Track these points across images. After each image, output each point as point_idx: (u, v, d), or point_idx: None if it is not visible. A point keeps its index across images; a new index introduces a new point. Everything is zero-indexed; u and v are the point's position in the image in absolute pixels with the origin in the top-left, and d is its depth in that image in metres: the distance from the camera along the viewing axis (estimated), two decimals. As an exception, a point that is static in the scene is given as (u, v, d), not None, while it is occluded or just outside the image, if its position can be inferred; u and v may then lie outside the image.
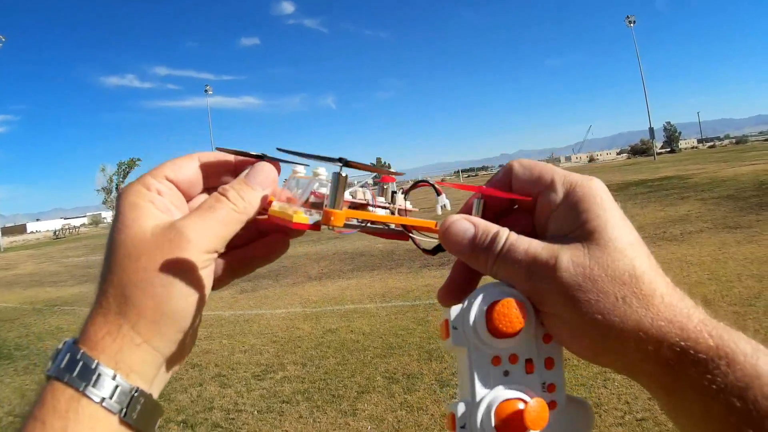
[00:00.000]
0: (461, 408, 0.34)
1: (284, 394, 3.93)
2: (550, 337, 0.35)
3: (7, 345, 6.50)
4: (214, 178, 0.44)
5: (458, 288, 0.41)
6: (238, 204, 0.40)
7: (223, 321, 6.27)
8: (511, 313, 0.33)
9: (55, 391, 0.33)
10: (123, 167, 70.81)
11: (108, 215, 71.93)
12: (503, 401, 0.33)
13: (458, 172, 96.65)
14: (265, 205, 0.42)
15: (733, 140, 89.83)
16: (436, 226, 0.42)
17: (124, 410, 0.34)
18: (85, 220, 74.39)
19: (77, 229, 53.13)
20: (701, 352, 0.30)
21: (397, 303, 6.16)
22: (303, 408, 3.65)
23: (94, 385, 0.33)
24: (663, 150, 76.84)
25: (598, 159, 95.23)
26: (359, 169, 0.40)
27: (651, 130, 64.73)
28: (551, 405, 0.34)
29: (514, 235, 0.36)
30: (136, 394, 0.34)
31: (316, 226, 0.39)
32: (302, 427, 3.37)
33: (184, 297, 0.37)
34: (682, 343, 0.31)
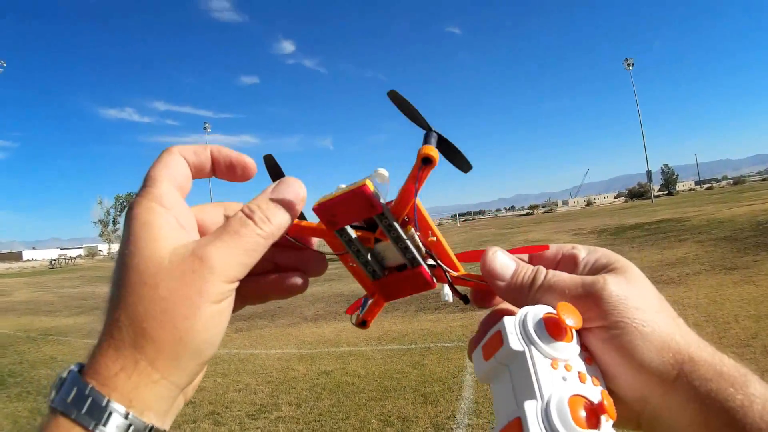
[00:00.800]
0: (530, 406, 0.33)
1: (278, 434, 3.91)
2: (590, 359, 0.38)
3: (0, 372, 6.47)
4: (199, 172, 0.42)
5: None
6: (265, 228, 0.37)
7: (217, 359, 6.24)
8: (572, 311, 0.36)
9: (60, 426, 0.31)
10: (120, 201, 71.31)
11: (104, 248, 72.46)
12: (573, 395, 0.33)
13: (455, 215, 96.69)
14: (290, 230, 0.40)
15: (731, 181, 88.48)
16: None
17: None
18: (81, 252, 73.50)
19: (73, 260, 52.50)
20: (726, 366, 0.36)
21: (393, 346, 6.15)
22: (297, 449, 3.62)
23: (105, 424, 0.31)
24: (660, 193, 76.58)
25: (595, 203, 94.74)
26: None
27: (648, 173, 64.36)
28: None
29: (551, 271, 0.41)
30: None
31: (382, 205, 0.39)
32: (296, 467, 3.35)
33: (206, 330, 0.35)
34: (709, 359, 0.36)
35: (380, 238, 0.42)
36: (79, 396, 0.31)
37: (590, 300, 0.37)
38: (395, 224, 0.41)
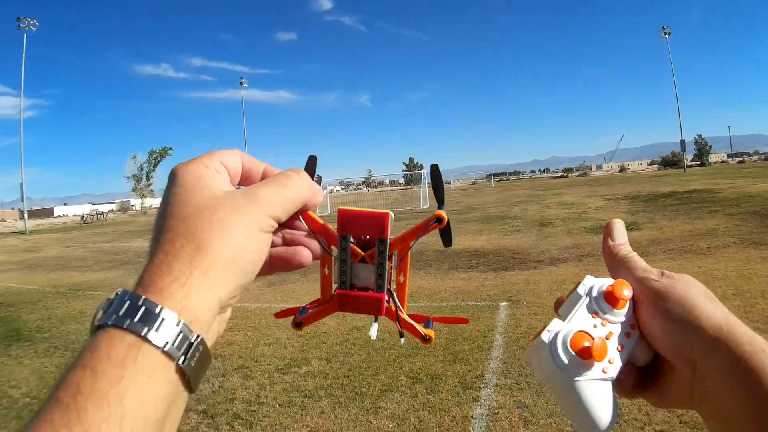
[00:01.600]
0: (556, 323, 0.44)
1: (307, 388, 3.90)
2: (634, 327, 0.45)
3: (28, 327, 6.63)
4: (245, 179, 0.46)
5: None
6: (304, 186, 0.44)
7: (248, 313, 6.30)
8: (625, 286, 0.45)
9: (111, 338, 0.31)
10: (154, 156, 72.05)
11: (137, 203, 72.48)
12: (582, 331, 0.43)
13: (490, 175, 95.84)
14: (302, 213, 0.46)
15: (762, 156, 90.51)
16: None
17: (184, 357, 0.33)
18: (113, 207, 75.24)
19: (105, 215, 53.49)
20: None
21: (425, 303, 6.09)
22: (325, 404, 3.61)
23: (157, 330, 0.32)
24: (693, 163, 76.89)
25: (629, 169, 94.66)
26: None
27: (682, 142, 64.40)
28: (607, 370, 0.43)
29: (634, 253, 0.49)
30: (196, 342, 0.34)
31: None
32: (323, 422, 3.33)
33: (254, 253, 0.39)
34: (747, 347, 0.39)
35: (365, 259, 0.48)
36: (131, 307, 0.32)
37: (648, 283, 0.45)
38: (386, 253, 0.47)
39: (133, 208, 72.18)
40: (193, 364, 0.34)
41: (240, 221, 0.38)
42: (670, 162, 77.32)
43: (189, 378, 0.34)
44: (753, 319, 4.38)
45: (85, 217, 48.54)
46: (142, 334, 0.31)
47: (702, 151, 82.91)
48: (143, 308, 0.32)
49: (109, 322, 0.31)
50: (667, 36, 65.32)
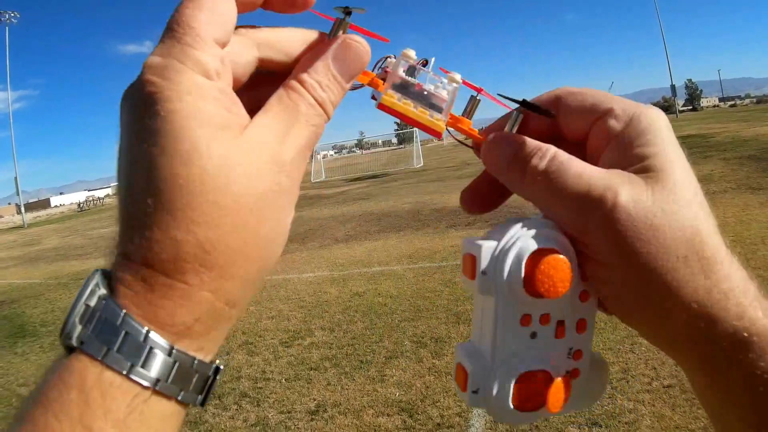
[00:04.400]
0: (475, 368, 0.30)
1: (312, 360, 3.90)
2: (587, 294, 0.31)
3: (33, 322, 6.58)
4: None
5: (485, 196, 0.36)
6: (329, 110, 0.29)
7: (250, 288, 6.26)
8: (557, 275, 0.28)
9: (102, 382, 0.22)
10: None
11: None
12: (525, 373, 0.29)
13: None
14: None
15: (754, 100, 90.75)
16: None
17: (203, 398, 0.26)
18: (109, 191, 74.53)
19: (102, 201, 52.34)
20: (756, 335, 0.27)
21: (425, 264, 6.06)
22: (331, 375, 3.61)
23: (171, 380, 0.24)
24: (685, 108, 76.92)
25: None
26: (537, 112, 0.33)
27: (673, 87, 62.70)
28: (574, 373, 0.31)
29: (563, 154, 0.30)
30: (215, 376, 0.27)
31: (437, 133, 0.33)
32: (330, 394, 3.33)
33: (279, 246, 0.28)
34: (736, 323, 0.27)
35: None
36: (129, 335, 0.23)
37: (594, 223, 0.28)
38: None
39: (130, 190, 71.67)
40: (209, 397, 0.27)
41: (273, 211, 0.26)
42: (662, 108, 75.76)
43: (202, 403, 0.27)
44: (756, 266, 4.31)
45: (82, 205, 48.03)
46: (153, 386, 0.23)
47: (693, 95, 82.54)
48: (146, 338, 0.23)
49: (98, 357, 0.22)
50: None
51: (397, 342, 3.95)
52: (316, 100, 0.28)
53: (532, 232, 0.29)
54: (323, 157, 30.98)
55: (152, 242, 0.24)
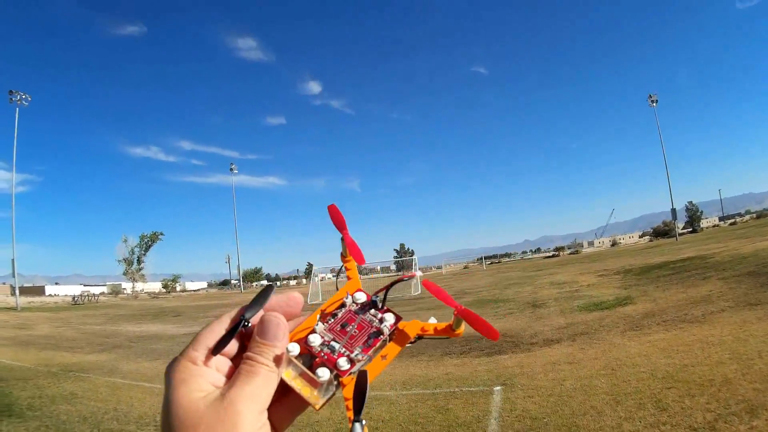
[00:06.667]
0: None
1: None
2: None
3: (20, 404, 6.52)
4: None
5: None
6: (270, 365, 0.46)
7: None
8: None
9: None
10: (145, 240, 71.01)
11: (128, 287, 71.64)
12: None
13: (482, 258, 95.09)
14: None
15: (754, 215, 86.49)
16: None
17: None
18: (104, 289, 72.97)
19: (96, 297, 51.62)
20: None
21: (418, 390, 6.07)
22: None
23: None
24: (685, 230, 74.72)
25: (620, 242, 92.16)
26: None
27: (673, 211, 61.98)
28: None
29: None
30: None
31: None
32: None
33: None
34: None
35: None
36: None
37: None
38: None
39: (125, 291, 69.78)
40: None
41: None
42: (662, 232, 76.30)
43: None
44: (751, 380, 4.35)
45: (76, 298, 47.29)
46: None
47: (693, 217, 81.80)
48: None
49: None
50: (654, 104, 64.63)
51: (388, 466, 3.91)
52: (258, 362, 0.46)
53: None
54: (321, 280, 30.85)
55: None
